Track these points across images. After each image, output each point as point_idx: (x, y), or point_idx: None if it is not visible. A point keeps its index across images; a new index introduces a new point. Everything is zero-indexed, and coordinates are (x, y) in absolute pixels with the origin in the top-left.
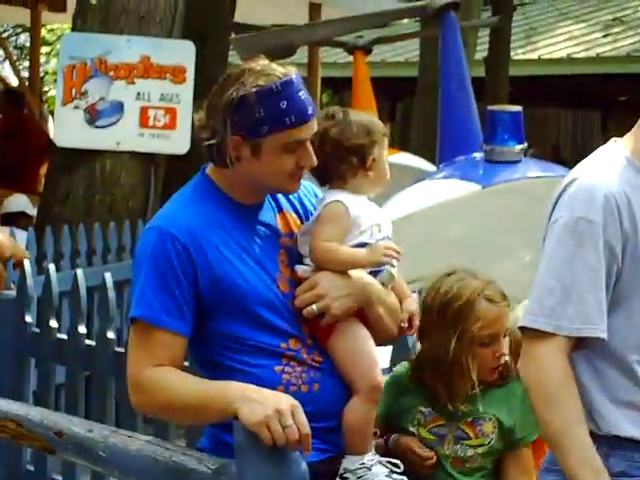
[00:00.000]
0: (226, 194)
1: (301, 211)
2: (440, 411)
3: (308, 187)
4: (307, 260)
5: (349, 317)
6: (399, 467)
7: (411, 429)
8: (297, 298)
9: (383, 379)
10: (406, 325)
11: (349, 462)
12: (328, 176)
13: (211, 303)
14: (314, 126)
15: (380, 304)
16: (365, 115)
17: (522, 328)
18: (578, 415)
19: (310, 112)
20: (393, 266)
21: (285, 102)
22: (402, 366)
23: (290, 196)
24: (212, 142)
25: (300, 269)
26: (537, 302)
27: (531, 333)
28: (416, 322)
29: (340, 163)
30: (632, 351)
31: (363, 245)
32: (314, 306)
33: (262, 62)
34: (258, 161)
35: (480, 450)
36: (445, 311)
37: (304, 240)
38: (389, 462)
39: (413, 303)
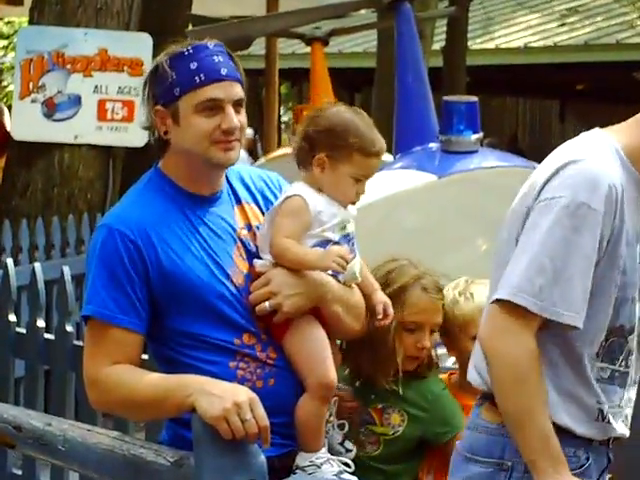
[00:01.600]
0: (178, 186)
1: (262, 202)
2: (357, 392)
3: (273, 178)
4: (265, 254)
5: (304, 315)
6: (350, 467)
7: None
8: (251, 294)
9: (336, 377)
10: (381, 315)
11: (301, 459)
12: (297, 159)
13: (164, 299)
14: (231, 89)
15: (336, 302)
16: (355, 123)
17: (499, 300)
18: (544, 399)
19: (224, 72)
20: (344, 269)
21: (195, 63)
22: None
23: (251, 187)
24: (147, 126)
25: (258, 264)
26: (526, 279)
27: (508, 307)
28: (390, 311)
29: (297, 145)
30: (586, 345)
31: (327, 242)
32: (266, 303)
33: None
34: (180, 127)
35: (382, 438)
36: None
37: (263, 234)
38: (340, 461)
39: (381, 294)
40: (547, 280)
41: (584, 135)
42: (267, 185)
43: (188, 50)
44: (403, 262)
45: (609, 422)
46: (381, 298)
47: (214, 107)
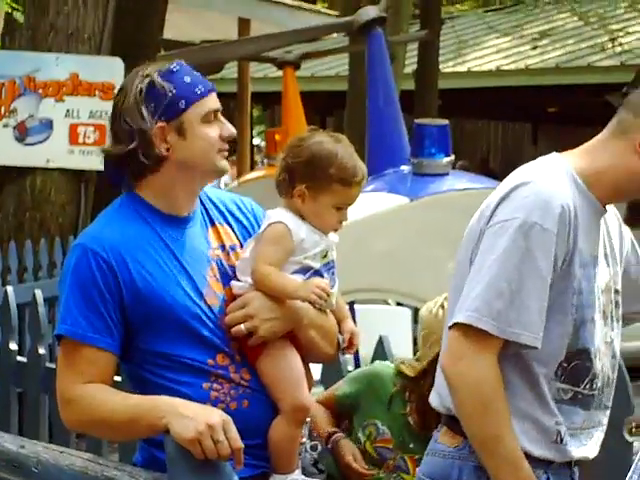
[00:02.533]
0: (153, 207)
1: (235, 224)
2: (395, 435)
3: (246, 202)
4: (243, 277)
5: (278, 338)
6: None
7: (359, 435)
8: (227, 316)
9: (311, 400)
10: (345, 345)
11: None
12: (279, 191)
13: (137, 319)
14: (217, 100)
15: (312, 327)
16: (335, 152)
17: (458, 325)
18: (509, 422)
19: (210, 85)
20: (323, 302)
21: (188, 77)
22: (387, 366)
23: (222, 209)
24: (131, 148)
25: (236, 286)
26: (484, 303)
27: (469, 331)
28: (356, 341)
29: (278, 175)
30: (542, 365)
31: (308, 269)
32: (242, 326)
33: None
34: (186, 141)
35: None
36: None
37: (244, 258)
38: None
39: (351, 323)
40: (505, 303)
41: (540, 159)
42: (239, 208)
43: (174, 66)
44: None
45: (567, 444)
46: (348, 327)
47: (214, 117)
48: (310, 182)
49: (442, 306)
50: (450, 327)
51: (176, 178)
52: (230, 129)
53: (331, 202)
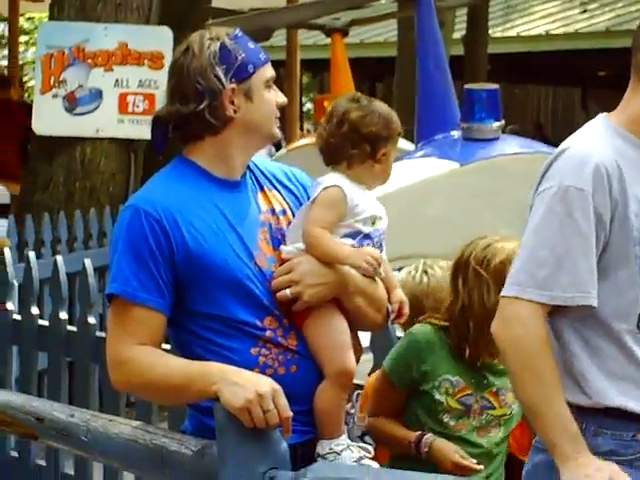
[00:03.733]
0: (205, 170)
1: (283, 191)
2: (467, 379)
3: (295, 172)
4: (297, 244)
5: (325, 303)
6: (369, 452)
7: (438, 397)
8: (273, 281)
9: (355, 365)
10: (395, 314)
11: (320, 447)
12: (335, 157)
13: (187, 280)
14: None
15: (358, 294)
16: (388, 109)
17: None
18: (557, 383)
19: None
20: (374, 272)
21: (250, 43)
22: (423, 327)
23: (270, 177)
24: (196, 109)
25: (285, 250)
26: (527, 274)
27: (516, 300)
28: (406, 310)
29: (352, 147)
30: (621, 320)
31: (358, 233)
32: (287, 291)
33: None
34: (253, 104)
35: (502, 420)
36: (485, 267)
37: (295, 224)
38: (360, 447)
39: (401, 293)
40: (550, 269)
41: (587, 123)
42: (287, 177)
43: (239, 33)
44: (496, 237)
45: None
46: (399, 297)
47: (271, 84)
48: (389, 143)
49: (425, 272)
50: (501, 298)
51: (235, 141)
52: (283, 97)
53: (394, 154)
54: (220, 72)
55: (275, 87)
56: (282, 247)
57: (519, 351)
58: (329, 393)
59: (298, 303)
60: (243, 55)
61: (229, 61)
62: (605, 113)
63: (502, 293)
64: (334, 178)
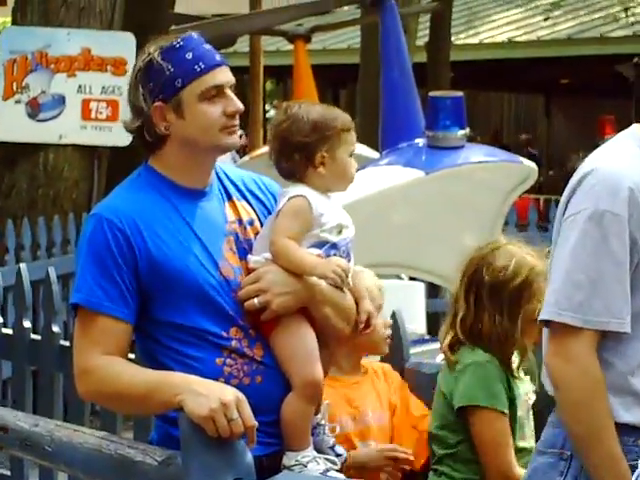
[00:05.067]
0: (170, 180)
1: (253, 201)
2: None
3: (265, 181)
4: (265, 253)
5: (293, 313)
6: (336, 464)
7: (520, 413)
8: (241, 289)
9: (322, 376)
10: (363, 325)
11: (287, 458)
12: (283, 173)
13: (152, 289)
14: (228, 73)
15: (326, 304)
16: (322, 110)
17: (546, 321)
18: (610, 424)
19: (219, 58)
20: (341, 282)
21: (190, 53)
22: (475, 352)
23: (240, 186)
24: (138, 124)
25: (252, 260)
26: (563, 297)
27: (558, 327)
28: (373, 321)
29: (286, 160)
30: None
31: (324, 243)
32: (255, 300)
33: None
34: (185, 120)
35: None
36: (502, 289)
37: (263, 235)
38: (326, 459)
39: (369, 303)
40: (585, 293)
41: (617, 135)
42: (258, 186)
43: (178, 42)
44: (513, 250)
45: None
46: (367, 307)
47: (216, 93)
48: (326, 145)
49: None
50: (540, 321)
51: (182, 154)
52: (236, 104)
53: (346, 152)
54: (143, 90)
55: (229, 93)
56: (249, 257)
57: (575, 390)
58: (296, 404)
59: (266, 312)
60: (171, 70)
61: (155, 78)
62: (637, 123)
63: (541, 317)
64: (299, 188)
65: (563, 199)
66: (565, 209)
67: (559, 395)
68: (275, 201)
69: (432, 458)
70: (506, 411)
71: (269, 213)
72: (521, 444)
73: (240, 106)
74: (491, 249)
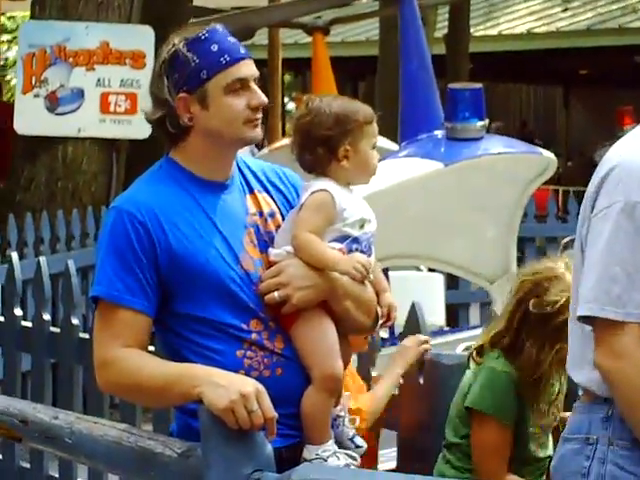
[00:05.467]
0: (190, 173)
1: (274, 193)
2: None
3: (287, 173)
4: (286, 247)
5: (314, 307)
6: (356, 460)
7: (531, 429)
8: (261, 282)
9: (342, 370)
10: (384, 319)
11: (307, 452)
12: (306, 167)
13: (172, 282)
14: (252, 66)
15: (347, 298)
16: (344, 103)
17: (586, 317)
18: None
19: (243, 51)
20: (363, 278)
21: (215, 45)
22: (499, 360)
23: (261, 178)
24: (160, 115)
25: (272, 253)
26: (602, 291)
27: (601, 323)
28: (394, 314)
29: (309, 153)
30: None
31: (346, 237)
32: (275, 293)
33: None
34: (209, 112)
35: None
36: (547, 322)
37: (285, 229)
38: (347, 454)
39: (390, 296)
40: (622, 286)
41: (637, 127)
42: (280, 178)
43: (204, 34)
44: (565, 287)
45: None
46: (387, 300)
47: (241, 86)
48: (349, 137)
49: None
50: (579, 319)
51: (205, 146)
52: (260, 97)
53: (369, 144)
54: (168, 81)
55: (253, 86)
56: (270, 250)
57: (634, 387)
58: (315, 398)
59: (286, 306)
60: (197, 62)
61: (181, 69)
62: None
63: (579, 313)
64: (322, 182)
65: (589, 193)
66: (593, 204)
67: (619, 395)
68: (296, 193)
69: (443, 441)
70: (509, 423)
71: (290, 205)
72: (540, 454)
73: (264, 99)
74: (547, 277)
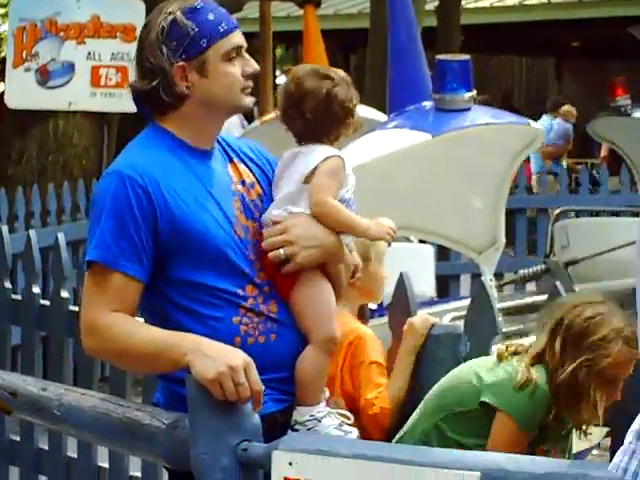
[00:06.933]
0: (179, 139)
1: (250, 164)
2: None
3: (259, 147)
4: (287, 206)
5: (313, 269)
6: (349, 419)
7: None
8: (265, 240)
9: (339, 334)
10: (351, 277)
11: (299, 413)
12: (320, 132)
13: (169, 246)
14: (242, 36)
15: (342, 262)
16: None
17: None
18: None
19: (235, 21)
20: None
21: (211, 14)
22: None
23: (235, 149)
24: (154, 85)
25: (274, 213)
26: None
27: None
28: (358, 274)
29: (340, 122)
30: None
31: (342, 202)
32: (281, 250)
33: None
34: (209, 79)
35: None
36: (581, 339)
37: (288, 192)
38: (340, 414)
39: (356, 256)
40: None
41: None
42: (252, 151)
43: (198, 3)
44: (606, 308)
45: None
46: (355, 260)
47: (237, 54)
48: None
49: None
50: None
51: (198, 114)
52: (253, 65)
53: (356, 96)
54: (167, 49)
55: (246, 55)
56: (270, 210)
57: None
58: (314, 358)
59: (289, 265)
60: (196, 30)
61: (179, 37)
62: None
63: None
64: (330, 149)
65: None
66: None
67: None
68: (271, 167)
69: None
70: (529, 433)
71: (267, 178)
72: None
73: (257, 67)
74: (588, 301)
